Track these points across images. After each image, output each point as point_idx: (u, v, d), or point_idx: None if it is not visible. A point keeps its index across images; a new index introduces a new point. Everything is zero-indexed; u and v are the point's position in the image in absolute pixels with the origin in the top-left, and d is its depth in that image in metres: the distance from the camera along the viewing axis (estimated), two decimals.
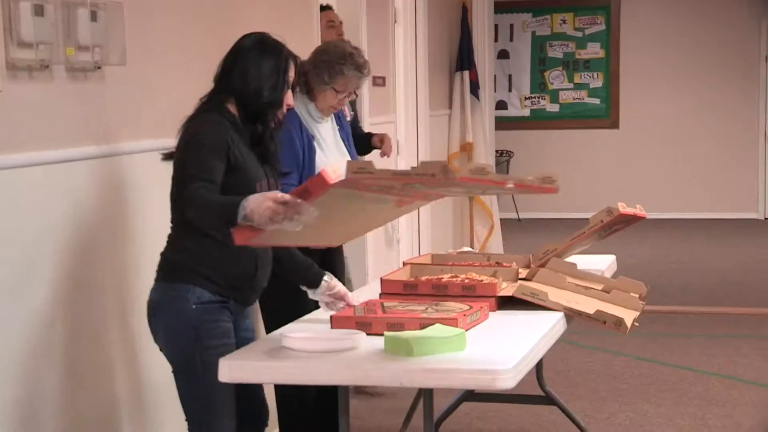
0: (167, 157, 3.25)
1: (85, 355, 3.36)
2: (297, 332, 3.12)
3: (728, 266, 9.12)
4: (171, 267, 3.21)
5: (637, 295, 3.68)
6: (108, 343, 3.48)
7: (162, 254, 3.26)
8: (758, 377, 5.66)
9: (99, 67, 3.37)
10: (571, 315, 3.27)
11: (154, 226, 3.73)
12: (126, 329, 3.57)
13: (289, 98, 3.29)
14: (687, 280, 8.56)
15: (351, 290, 4.21)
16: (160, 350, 3.23)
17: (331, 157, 4.16)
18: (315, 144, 4.14)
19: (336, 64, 4.13)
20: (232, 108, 3.25)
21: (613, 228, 4.06)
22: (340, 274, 4.32)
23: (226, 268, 3.19)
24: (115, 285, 3.53)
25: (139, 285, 3.48)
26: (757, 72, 11.73)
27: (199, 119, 3.21)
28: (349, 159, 4.21)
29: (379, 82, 6.61)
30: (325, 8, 5.54)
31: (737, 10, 11.58)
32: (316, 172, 3.75)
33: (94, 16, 3.27)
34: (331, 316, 3.25)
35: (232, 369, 2.95)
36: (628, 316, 3.43)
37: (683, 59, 11.84)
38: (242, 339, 3.29)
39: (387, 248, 6.81)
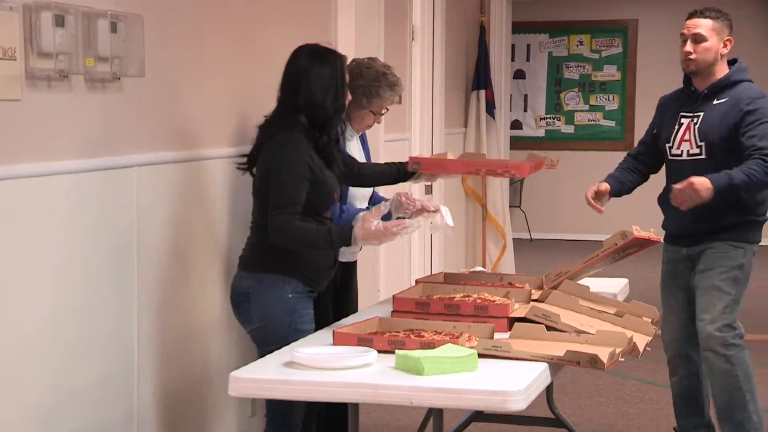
0: (240, 166, 3.72)
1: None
2: (308, 348, 3.12)
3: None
4: (263, 259, 3.61)
5: (649, 320, 3.67)
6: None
7: (249, 245, 3.66)
8: (765, 404, 5.61)
9: (118, 78, 3.38)
10: (541, 361, 3.09)
11: (165, 241, 3.74)
12: None
13: (348, 98, 3.68)
14: None
15: (357, 310, 4.22)
16: (249, 333, 3.67)
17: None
18: None
19: (372, 87, 4.14)
20: (304, 121, 3.58)
21: (627, 251, 4.05)
22: (354, 295, 4.34)
23: (313, 262, 3.62)
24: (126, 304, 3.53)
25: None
26: None
27: (280, 140, 3.55)
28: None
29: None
30: None
31: (755, 35, 11.55)
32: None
33: (114, 28, 3.28)
34: (333, 332, 3.26)
35: (243, 384, 2.94)
36: (641, 341, 3.42)
37: None
38: (317, 322, 3.72)
39: (399, 266, 6.80)
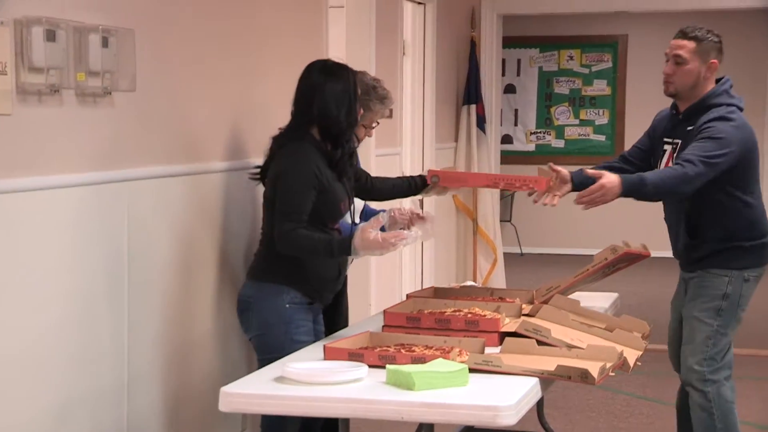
0: (254, 177, 3.82)
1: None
2: (299, 363, 3.12)
3: None
4: (267, 268, 3.71)
5: (640, 334, 3.67)
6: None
7: (257, 255, 3.77)
8: (760, 419, 5.63)
9: (109, 93, 3.38)
10: (532, 375, 3.08)
11: (156, 256, 3.73)
12: None
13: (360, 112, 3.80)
14: None
15: (347, 325, 4.22)
16: (250, 341, 3.77)
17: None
18: None
19: (362, 100, 4.14)
20: (316, 134, 3.68)
21: (617, 266, 4.06)
22: (344, 309, 4.34)
23: (316, 272, 3.69)
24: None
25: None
26: (764, 113, 11.74)
27: (289, 150, 3.65)
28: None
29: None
30: None
31: (745, 51, 11.60)
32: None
33: (105, 42, 3.28)
34: (324, 347, 3.26)
35: (233, 399, 2.94)
36: (631, 355, 3.42)
37: None
38: (319, 333, 3.81)
39: (390, 281, 6.80)
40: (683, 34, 4.21)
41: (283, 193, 3.60)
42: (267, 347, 3.68)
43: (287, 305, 3.66)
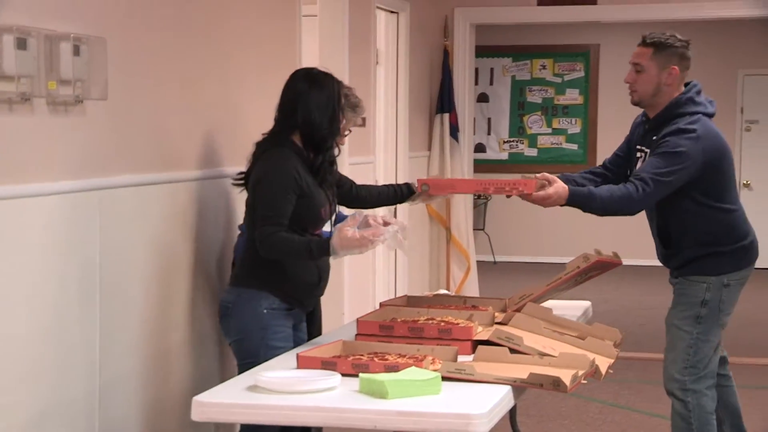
0: (237, 182, 3.81)
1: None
2: (272, 372, 3.11)
3: None
4: (247, 273, 3.72)
5: (611, 342, 3.68)
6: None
7: (240, 259, 3.79)
8: (755, 429, 5.65)
9: (80, 101, 3.37)
10: (505, 383, 3.09)
11: (128, 264, 3.72)
12: None
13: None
14: (661, 327, 8.53)
15: (321, 333, 4.22)
16: (230, 346, 3.77)
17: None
18: None
19: None
20: (297, 141, 3.72)
21: (589, 274, 4.07)
22: (318, 318, 4.33)
23: (295, 278, 3.70)
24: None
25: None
26: (733, 123, 11.84)
27: (269, 154, 3.69)
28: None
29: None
30: None
31: (714, 62, 11.70)
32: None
33: (76, 50, 3.27)
34: (297, 356, 3.26)
35: (205, 407, 2.93)
36: (603, 363, 3.43)
37: None
38: (299, 340, 3.81)
39: (363, 289, 6.80)
40: (643, 41, 4.19)
41: (263, 198, 3.63)
42: (244, 352, 3.69)
43: (265, 311, 3.67)
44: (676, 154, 4.03)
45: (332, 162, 3.83)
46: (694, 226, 4.15)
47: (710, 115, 4.19)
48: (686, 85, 4.22)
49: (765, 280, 10.73)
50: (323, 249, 3.55)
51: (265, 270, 3.68)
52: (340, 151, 3.88)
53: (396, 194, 4.18)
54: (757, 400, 6.01)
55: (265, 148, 3.73)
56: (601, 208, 4.07)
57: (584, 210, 4.10)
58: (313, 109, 3.70)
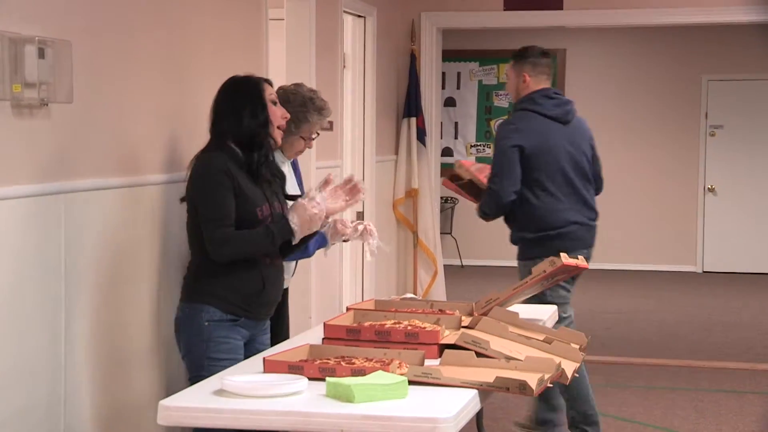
0: (183, 200, 3.73)
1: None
2: (238, 376, 3.11)
3: (667, 318, 9.22)
4: (190, 288, 3.69)
5: (577, 346, 3.70)
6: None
7: (184, 277, 3.74)
8: (694, 429, 5.70)
9: (45, 104, 3.35)
10: (471, 387, 3.09)
11: (93, 269, 3.70)
12: None
13: (275, 114, 3.74)
14: (626, 331, 8.63)
15: (288, 337, 4.21)
16: (182, 360, 3.73)
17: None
18: None
19: (299, 112, 4.16)
20: (232, 146, 3.68)
21: (555, 278, 4.10)
22: (285, 321, 4.33)
23: (235, 288, 3.63)
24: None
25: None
26: (698, 128, 11.94)
27: (197, 160, 3.68)
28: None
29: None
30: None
31: (679, 67, 11.80)
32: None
33: (41, 53, 3.25)
34: (264, 360, 3.25)
35: (172, 412, 2.92)
36: (569, 367, 3.45)
37: (625, 114, 12.01)
38: (254, 348, 3.73)
39: (330, 293, 6.79)
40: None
41: (203, 200, 3.60)
42: (192, 366, 3.67)
43: (206, 323, 3.63)
44: (495, 154, 5.17)
45: (267, 156, 3.75)
46: (516, 213, 5.11)
47: (550, 117, 5.04)
48: None
49: (762, 285, 10.88)
50: (285, 231, 3.57)
51: (204, 282, 3.65)
52: (276, 146, 3.80)
53: None
54: (750, 405, 6.08)
55: (198, 157, 3.71)
56: (488, 212, 5.25)
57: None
58: (232, 110, 3.68)
